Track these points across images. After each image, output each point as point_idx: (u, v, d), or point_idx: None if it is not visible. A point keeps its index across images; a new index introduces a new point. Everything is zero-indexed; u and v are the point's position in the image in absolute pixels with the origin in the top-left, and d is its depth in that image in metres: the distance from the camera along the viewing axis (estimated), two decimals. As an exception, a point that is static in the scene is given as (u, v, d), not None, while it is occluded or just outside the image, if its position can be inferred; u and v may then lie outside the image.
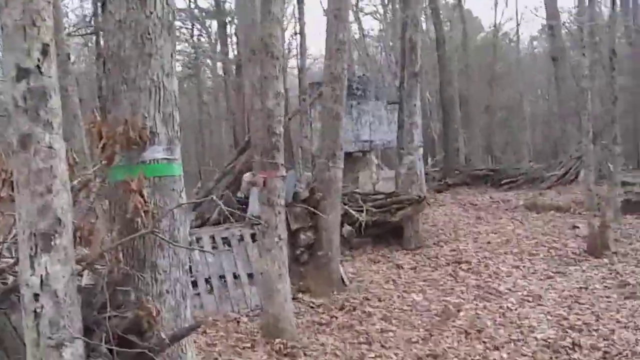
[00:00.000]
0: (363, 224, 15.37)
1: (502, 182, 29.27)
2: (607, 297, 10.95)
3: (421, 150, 17.73)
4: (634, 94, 34.85)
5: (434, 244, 16.59)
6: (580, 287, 11.76)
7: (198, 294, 10.67)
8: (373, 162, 25.94)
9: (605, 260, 13.57)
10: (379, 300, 11.27)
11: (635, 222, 17.94)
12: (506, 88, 47.35)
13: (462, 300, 11.25)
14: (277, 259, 8.93)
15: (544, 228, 18.03)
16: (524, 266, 13.86)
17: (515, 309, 10.52)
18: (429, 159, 35.82)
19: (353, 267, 14.18)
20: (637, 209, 19.57)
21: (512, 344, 8.62)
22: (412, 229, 16.29)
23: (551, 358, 8.02)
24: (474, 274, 13.27)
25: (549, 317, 9.88)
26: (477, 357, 8.17)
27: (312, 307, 10.96)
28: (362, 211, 15.74)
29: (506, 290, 11.88)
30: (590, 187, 20.05)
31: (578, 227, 17.67)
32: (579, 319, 9.64)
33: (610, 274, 12.56)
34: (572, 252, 14.51)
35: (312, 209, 11.80)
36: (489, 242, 16.59)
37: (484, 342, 8.81)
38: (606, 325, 9.21)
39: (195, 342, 5.32)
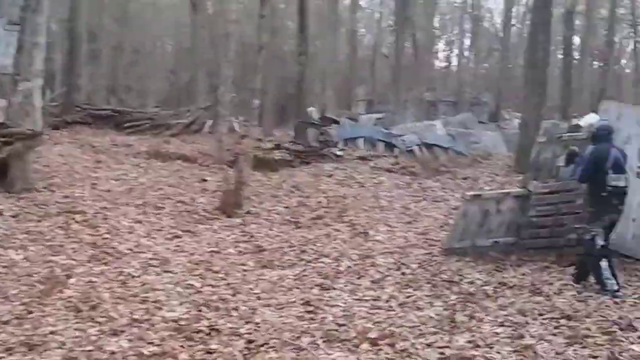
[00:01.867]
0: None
1: (126, 125, 27.31)
2: (243, 264, 9.70)
3: (41, 79, 15.00)
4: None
5: (45, 188, 14.09)
6: (212, 251, 10.38)
7: None
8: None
9: (238, 220, 12.41)
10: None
11: (264, 180, 17.22)
12: (139, 29, 45.26)
13: (73, 262, 9.16)
14: None
15: (169, 179, 16.49)
16: (148, 221, 12.15)
17: (139, 276, 8.74)
18: (48, 93, 32.51)
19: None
20: (265, 166, 18.99)
21: (135, 327, 6.81)
22: (19, 168, 13.63)
23: (183, 347, 6.36)
24: (90, 227, 11.20)
25: (178, 289, 8.26)
26: (89, 347, 6.19)
27: None
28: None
29: (127, 251, 10.04)
30: (222, 138, 19.11)
31: (206, 180, 16.47)
32: (214, 293, 8.17)
33: (244, 236, 11.40)
34: (203, 209, 13.15)
35: None
36: (109, 190, 14.59)
37: (99, 323, 6.87)
38: (246, 302, 7.85)
39: None
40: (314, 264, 9.88)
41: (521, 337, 6.73)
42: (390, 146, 22.16)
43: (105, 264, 9.27)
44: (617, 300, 8.18)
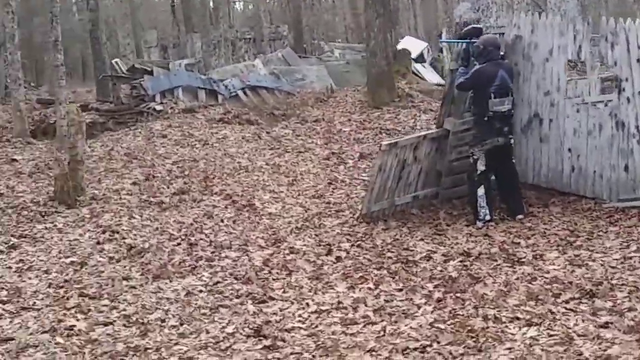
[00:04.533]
0: None
1: None
2: (126, 278, 7.08)
3: None
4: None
5: None
6: (73, 262, 7.62)
7: None
8: None
9: (84, 211, 9.56)
10: None
11: (86, 150, 14.26)
12: None
13: None
14: None
15: (-35, 164, 13.12)
16: (-40, 230, 9.07)
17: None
18: None
19: None
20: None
21: None
22: None
23: None
24: None
25: (56, 339, 5.61)
26: None
27: None
28: None
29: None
30: (21, 107, 15.82)
31: (16, 160, 13.29)
32: (112, 337, 5.61)
33: (104, 232, 8.64)
34: (32, 201, 10.14)
35: None
36: None
37: None
38: (166, 348, 5.40)
39: None
40: (218, 263, 7.50)
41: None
42: (212, 93, 19.62)
43: None
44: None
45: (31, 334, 5.66)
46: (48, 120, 17.81)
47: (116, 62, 19.67)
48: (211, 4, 32.54)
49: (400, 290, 6.36)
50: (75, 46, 40.75)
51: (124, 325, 5.88)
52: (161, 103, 18.30)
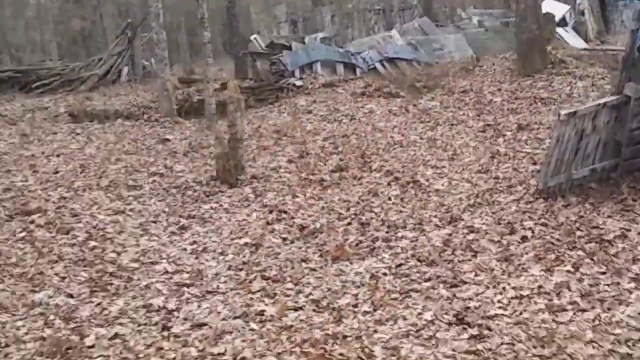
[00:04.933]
0: None
1: (34, 86, 23.62)
2: (305, 260, 6.91)
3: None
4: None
5: (-27, 180, 10.89)
6: (247, 244, 7.52)
7: None
8: None
9: (247, 190, 9.52)
10: None
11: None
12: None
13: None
14: None
15: (122, 145, 13.36)
16: (132, 210, 9.15)
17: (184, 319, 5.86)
18: None
19: None
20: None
21: None
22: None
23: None
24: (61, 232, 8.18)
25: (251, 325, 5.47)
26: None
27: None
28: None
29: (135, 265, 7.13)
30: (168, 86, 16.01)
31: (169, 140, 13.43)
32: (306, 323, 5.41)
33: (270, 212, 8.55)
34: (193, 181, 10.17)
35: None
36: (56, 172, 11.46)
37: None
38: (369, 334, 5.15)
39: None
40: (396, 244, 7.20)
41: None
42: (349, 67, 19.36)
43: (106, 290, 6.36)
44: None
45: (223, 319, 5.54)
46: (191, 99, 18.02)
47: (255, 39, 19.67)
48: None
49: (604, 273, 5.88)
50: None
51: (314, 310, 5.67)
52: (300, 78, 18.20)
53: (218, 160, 9.86)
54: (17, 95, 23.36)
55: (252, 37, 20.18)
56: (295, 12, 33.88)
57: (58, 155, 12.76)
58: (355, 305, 5.68)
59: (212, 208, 8.89)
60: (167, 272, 6.80)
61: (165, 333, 5.35)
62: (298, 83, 17.88)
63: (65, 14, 39.92)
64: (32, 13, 43.63)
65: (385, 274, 6.35)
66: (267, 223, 8.11)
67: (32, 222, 8.61)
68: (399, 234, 7.44)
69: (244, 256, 7.10)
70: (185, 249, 7.50)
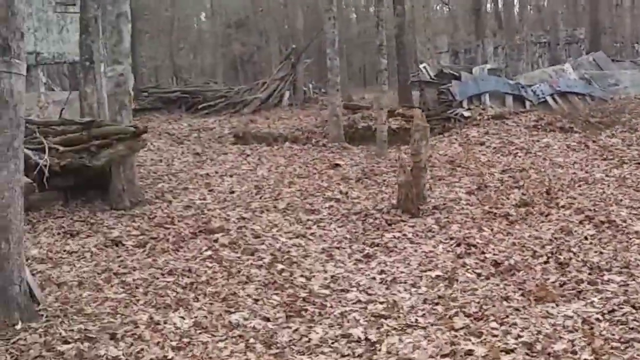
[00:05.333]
0: (46, 172, 9.59)
1: (200, 107, 24.45)
2: (505, 298, 6.50)
3: (130, 59, 11.92)
4: None
5: (157, 197, 11.15)
6: (438, 277, 7.20)
7: None
8: (40, 80, 19.62)
9: (430, 221, 9.20)
10: (113, 337, 5.64)
11: (402, 156, 14.06)
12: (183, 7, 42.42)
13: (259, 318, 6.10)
14: None
15: (293, 169, 13.41)
16: (312, 234, 9.05)
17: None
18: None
19: (37, 247, 8.36)
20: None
21: None
22: (124, 177, 10.65)
23: None
24: (246, 253, 8.16)
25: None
26: None
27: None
28: (43, 150, 9.94)
29: (321, 289, 6.96)
30: (337, 111, 16.00)
31: (340, 166, 13.35)
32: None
33: (457, 244, 8.18)
34: (373, 208, 9.98)
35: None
36: (232, 192, 11.62)
37: None
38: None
39: None
40: (603, 287, 6.65)
41: None
42: (518, 99, 18.77)
43: (300, 316, 6.19)
44: None
45: (431, 356, 5.22)
46: (356, 126, 18.01)
47: (425, 67, 19.44)
48: (516, 7, 31.55)
49: None
50: (355, 54, 41.62)
51: (527, 354, 5.25)
52: (469, 109, 17.82)
53: (401, 188, 9.61)
54: (183, 115, 24.23)
55: (421, 66, 19.95)
56: (457, 43, 33.53)
57: (231, 176, 12.97)
58: (574, 352, 5.22)
59: (395, 237, 8.62)
60: (359, 301, 6.57)
61: (371, 366, 5.10)
62: (466, 114, 17.50)
63: (228, 39, 41.32)
64: (194, 38, 45.48)
65: (598, 320, 5.84)
66: (458, 256, 7.75)
67: (215, 240, 8.67)
68: (605, 277, 6.89)
69: (439, 290, 6.76)
70: (374, 278, 7.26)
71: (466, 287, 6.82)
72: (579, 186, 10.75)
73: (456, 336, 5.61)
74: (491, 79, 18.99)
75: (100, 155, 10.45)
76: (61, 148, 10.32)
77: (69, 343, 5.42)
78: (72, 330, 5.68)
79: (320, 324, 6.00)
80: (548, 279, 6.96)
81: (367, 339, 5.58)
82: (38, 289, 6.27)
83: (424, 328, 5.84)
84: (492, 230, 8.71)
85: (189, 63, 43.08)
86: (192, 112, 24.52)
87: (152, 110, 24.33)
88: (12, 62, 5.92)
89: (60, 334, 5.59)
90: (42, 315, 5.97)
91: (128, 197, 10.53)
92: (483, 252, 7.84)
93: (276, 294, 6.80)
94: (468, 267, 7.42)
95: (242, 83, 31.50)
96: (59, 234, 9.13)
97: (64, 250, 8.40)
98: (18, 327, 5.65)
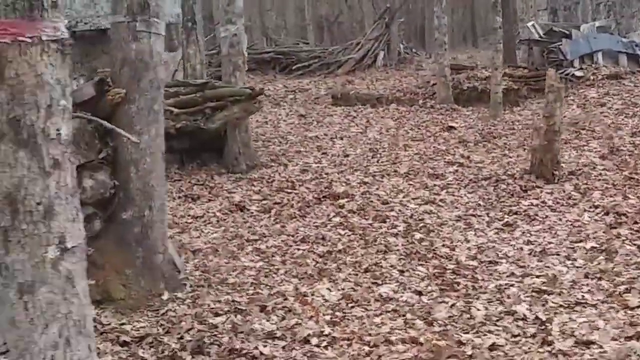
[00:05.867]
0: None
1: (294, 68, 24.05)
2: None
3: (243, 18, 11.62)
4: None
5: (273, 161, 10.88)
6: (593, 247, 6.67)
7: None
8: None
9: (569, 187, 8.62)
10: (263, 310, 5.35)
11: (516, 119, 13.46)
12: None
13: (406, 291, 5.71)
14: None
15: (405, 131, 12.93)
16: (442, 200, 8.60)
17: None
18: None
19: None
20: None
21: None
22: (239, 140, 10.40)
23: None
24: (377, 220, 7.80)
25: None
26: None
27: (120, 345, 4.83)
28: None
29: (468, 260, 6.53)
30: (446, 72, 15.40)
31: (454, 128, 12.81)
32: None
33: (607, 213, 7.60)
34: (503, 173, 9.46)
35: (104, 122, 5.38)
36: (347, 155, 11.25)
37: None
38: None
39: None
40: None
41: None
42: (634, 58, 17.75)
43: (453, 290, 5.77)
44: None
45: (613, 339, 4.75)
46: (461, 87, 17.32)
47: (532, 25, 18.57)
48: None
49: None
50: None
51: None
52: (580, 69, 16.90)
53: (535, 152, 9.04)
54: (277, 76, 23.91)
55: (529, 24, 19.07)
56: (556, 0, 32.15)
57: (341, 138, 12.60)
58: None
59: (533, 204, 8.09)
60: (513, 274, 6.11)
61: (548, 348, 4.66)
62: (578, 73, 16.62)
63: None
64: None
65: None
66: (609, 226, 7.18)
67: (341, 206, 8.34)
68: None
69: (598, 263, 6.24)
70: (521, 249, 6.78)
71: (629, 260, 6.27)
72: None
73: (633, 316, 5.12)
74: (605, 37, 17.99)
75: (215, 118, 10.21)
76: (175, 110, 10.08)
77: (220, 315, 5.16)
78: (220, 301, 5.44)
79: (478, 298, 5.59)
80: None
81: (537, 318, 5.12)
82: (178, 257, 6.03)
83: (594, 306, 5.36)
84: (639, 198, 8.08)
85: (275, 24, 42.69)
86: (285, 73, 24.15)
87: (246, 71, 24.09)
88: (151, 21, 5.64)
89: (209, 305, 5.34)
90: (186, 284, 5.73)
91: (244, 160, 10.29)
92: (636, 222, 7.25)
93: (421, 264, 6.41)
94: (624, 238, 6.86)
95: (330, 44, 30.87)
96: (179, 197, 8.96)
97: (189, 215, 8.22)
98: (165, 297, 5.42)
